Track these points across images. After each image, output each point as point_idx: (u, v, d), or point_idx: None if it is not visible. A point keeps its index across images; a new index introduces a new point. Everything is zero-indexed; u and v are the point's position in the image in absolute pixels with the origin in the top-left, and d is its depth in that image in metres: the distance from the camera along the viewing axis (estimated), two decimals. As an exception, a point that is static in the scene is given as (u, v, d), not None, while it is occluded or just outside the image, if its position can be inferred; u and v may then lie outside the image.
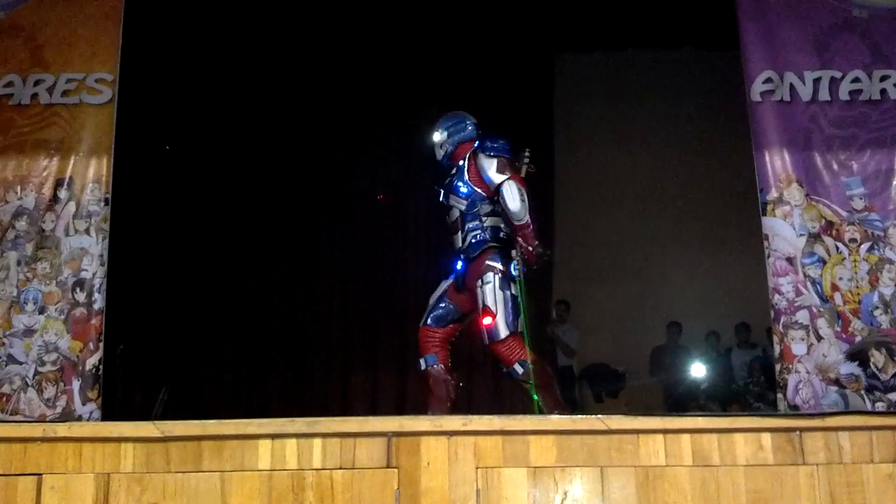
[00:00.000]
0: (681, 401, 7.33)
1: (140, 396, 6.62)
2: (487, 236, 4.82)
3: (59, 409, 5.12)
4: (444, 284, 4.95)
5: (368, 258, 7.65)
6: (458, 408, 4.84)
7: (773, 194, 5.32)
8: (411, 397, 6.74)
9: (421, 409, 4.83)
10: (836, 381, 5.04)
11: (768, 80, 5.43)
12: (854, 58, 5.42)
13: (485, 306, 4.68)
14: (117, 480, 3.51)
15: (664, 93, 7.94)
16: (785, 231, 5.28)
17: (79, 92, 5.49)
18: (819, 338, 5.12)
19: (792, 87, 5.41)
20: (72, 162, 5.43)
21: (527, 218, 4.67)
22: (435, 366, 4.81)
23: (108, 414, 5.19)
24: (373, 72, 7.39)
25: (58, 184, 5.42)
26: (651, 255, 8.16)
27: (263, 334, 7.53)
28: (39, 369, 5.18)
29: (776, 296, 5.19)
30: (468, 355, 5.85)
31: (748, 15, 5.51)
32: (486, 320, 4.67)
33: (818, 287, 5.19)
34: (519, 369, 4.63)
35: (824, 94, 5.40)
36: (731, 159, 6.71)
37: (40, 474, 3.53)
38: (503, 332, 4.64)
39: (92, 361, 5.21)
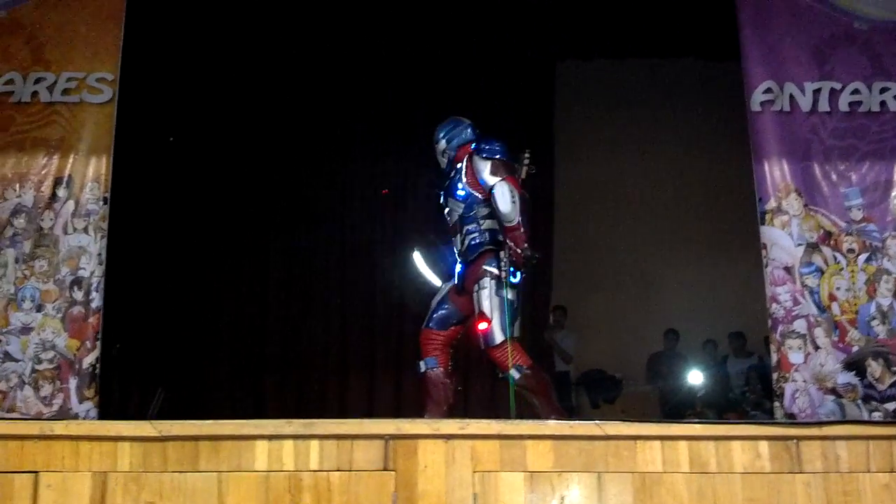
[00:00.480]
0: (677, 408, 7.33)
1: (137, 395, 6.62)
2: (485, 239, 4.81)
3: (55, 407, 5.11)
4: (445, 287, 4.96)
5: (366, 259, 7.65)
6: (455, 411, 4.83)
7: (772, 204, 5.32)
8: (408, 399, 6.73)
9: (418, 411, 4.82)
10: (833, 391, 5.04)
11: (768, 91, 5.43)
12: (854, 69, 5.43)
13: (480, 312, 4.68)
14: (114, 479, 3.51)
15: (664, 101, 7.94)
16: (783, 240, 5.28)
17: (79, 91, 5.48)
18: (816, 347, 5.12)
19: (792, 97, 5.42)
20: (71, 160, 5.42)
21: (517, 220, 4.65)
22: (434, 369, 4.80)
23: (105, 413, 5.17)
24: (375, 77, 7.41)
25: (57, 182, 5.40)
26: (649, 262, 8.15)
27: (261, 335, 7.53)
28: (36, 367, 5.16)
29: (774, 305, 5.19)
30: (465, 358, 5.83)
31: (749, 25, 5.51)
32: (482, 325, 4.67)
33: (816, 297, 5.20)
34: (515, 374, 4.62)
35: (824, 105, 5.40)
36: (730, 168, 6.73)
37: (37, 472, 3.53)
38: (499, 338, 4.64)
39: (89, 360, 5.20)
